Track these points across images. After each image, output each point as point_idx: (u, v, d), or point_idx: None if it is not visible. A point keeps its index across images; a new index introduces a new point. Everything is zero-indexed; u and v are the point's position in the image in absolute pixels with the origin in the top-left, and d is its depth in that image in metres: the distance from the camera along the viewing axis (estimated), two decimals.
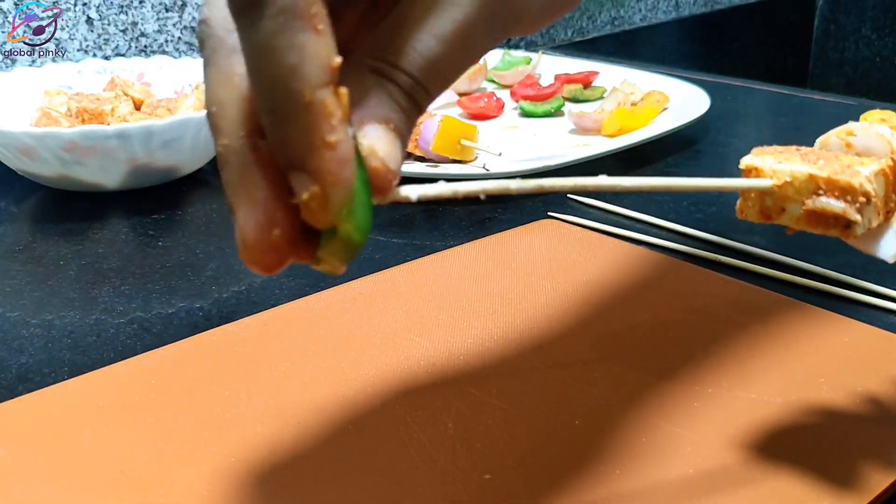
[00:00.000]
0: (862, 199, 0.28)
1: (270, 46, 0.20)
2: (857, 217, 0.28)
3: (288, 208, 0.22)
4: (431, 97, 0.24)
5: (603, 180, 0.25)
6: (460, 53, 0.24)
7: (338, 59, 0.21)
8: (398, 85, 0.23)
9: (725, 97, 0.89)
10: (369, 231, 0.23)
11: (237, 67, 0.22)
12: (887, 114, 0.32)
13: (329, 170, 0.21)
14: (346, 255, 0.23)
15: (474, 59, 0.25)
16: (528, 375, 0.38)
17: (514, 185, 0.24)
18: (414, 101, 0.24)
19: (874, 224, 0.29)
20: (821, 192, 0.28)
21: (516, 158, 0.65)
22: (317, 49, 0.20)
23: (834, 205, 0.28)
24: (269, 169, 0.22)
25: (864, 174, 0.28)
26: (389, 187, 0.23)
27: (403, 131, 0.24)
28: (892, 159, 0.30)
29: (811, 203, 0.28)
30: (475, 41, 0.24)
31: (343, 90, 0.21)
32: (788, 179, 0.28)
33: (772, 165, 0.29)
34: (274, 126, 0.21)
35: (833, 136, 0.32)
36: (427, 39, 0.23)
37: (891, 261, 0.30)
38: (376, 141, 0.23)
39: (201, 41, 0.23)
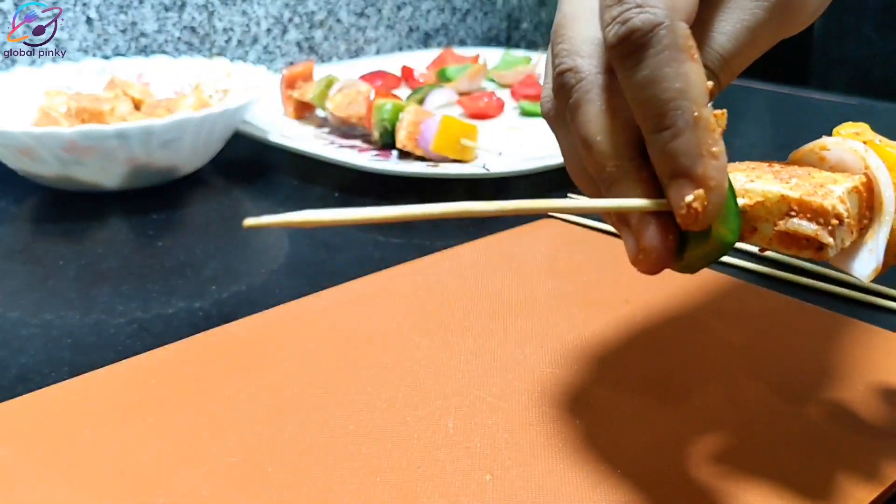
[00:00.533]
0: (834, 221, 0.28)
1: (660, 77, 0.25)
2: (830, 240, 0.28)
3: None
4: (721, 89, 0.28)
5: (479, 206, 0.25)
6: (749, 49, 0.28)
7: (710, 83, 0.25)
8: None
9: (725, 96, 0.88)
10: (738, 234, 0.27)
11: (614, 102, 0.26)
12: (860, 126, 0.32)
13: (713, 176, 0.25)
14: (714, 256, 0.27)
15: (760, 53, 0.29)
16: (529, 375, 0.38)
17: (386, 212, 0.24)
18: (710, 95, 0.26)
19: (847, 243, 0.29)
20: (793, 213, 0.28)
21: (516, 158, 0.64)
22: (697, 75, 0.25)
23: (806, 227, 0.28)
24: (649, 185, 0.26)
25: (836, 194, 0.28)
26: None
27: None
28: (866, 175, 0.30)
29: (783, 224, 0.28)
30: (762, 38, 0.28)
31: (722, 111, 0.27)
32: (760, 199, 0.28)
33: (743, 184, 0.29)
34: (664, 142, 0.25)
35: (807, 151, 0.31)
36: (720, 38, 0.27)
37: (866, 281, 0.30)
38: None
39: (571, 86, 0.27)
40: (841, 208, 0.28)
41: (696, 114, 0.25)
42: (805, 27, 0.31)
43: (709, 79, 0.26)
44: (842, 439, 0.33)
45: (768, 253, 0.50)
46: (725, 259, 0.50)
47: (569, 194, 0.61)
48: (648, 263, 0.27)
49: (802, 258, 0.29)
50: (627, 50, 0.25)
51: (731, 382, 0.37)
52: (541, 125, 0.77)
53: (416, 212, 0.24)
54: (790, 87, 0.95)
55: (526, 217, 0.56)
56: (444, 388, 0.37)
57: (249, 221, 0.22)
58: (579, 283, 0.46)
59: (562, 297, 0.45)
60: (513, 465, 0.32)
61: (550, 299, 0.45)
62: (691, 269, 0.28)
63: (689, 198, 0.25)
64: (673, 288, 0.46)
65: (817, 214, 0.28)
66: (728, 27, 0.27)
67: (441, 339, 0.41)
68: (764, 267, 0.48)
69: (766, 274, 0.48)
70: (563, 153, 0.31)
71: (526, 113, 0.80)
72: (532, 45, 1.16)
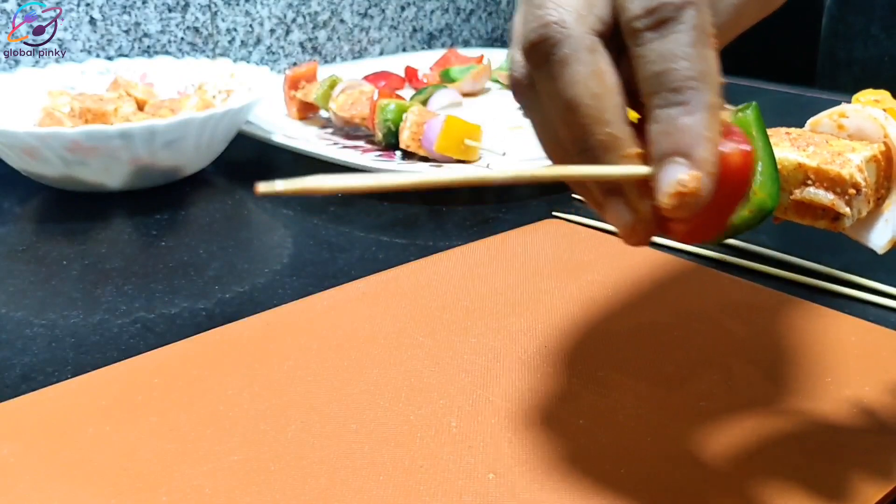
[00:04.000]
0: (852, 190, 0.27)
1: (685, 54, 0.24)
2: (847, 210, 0.27)
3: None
4: None
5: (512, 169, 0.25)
6: (733, 27, 0.28)
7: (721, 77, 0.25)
8: None
9: (732, 97, 0.88)
10: (777, 200, 0.26)
11: (604, 66, 0.25)
12: (881, 94, 0.31)
13: (712, 161, 0.24)
14: (753, 223, 0.26)
15: (742, 30, 0.29)
16: (532, 375, 0.38)
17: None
18: None
19: (863, 213, 0.28)
20: (809, 182, 0.27)
21: (520, 158, 0.64)
22: (716, 62, 0.25)
23: (822, 196, 0.27)
24: (641, 158, 0.25)
25: (854, 163, 0.27)
26: None
27: None
28: (885, 144, 0.29)
29: (799, 193, 0.28)
30: (746, 16, 0.29)
31: (730, 108, 0.27)
32: (778, 168, 0.28)
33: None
34: (673, 118, 0.24)
35: (825, 118, 0.31)
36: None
37: (881, 251, 0.29)
38: None
39: (555, 41, 0.25)
40: (859, 177, 0.27)
41: (712, 100, 0.24)
42: (783, 3, 0.31)
43: None
44: (848, 436, 0.33)
45: (774, 252, 0.50)
46: (727, 258, 0.49)
47: (572, 195, 0.60)
48: (645, 234, 0.26)
49: (818, 227, 0.28)
50: (653, 21, 0.24)
51: (738, 382, 0.37)
52: None
53: (426, 179, 0.23)
54: (798, 87, 0.95)
55: (530, 216, 0.56)
56: (447, 388, 0.37)
57: (262, 188, 0.21)
58: (583, 282, 0.46)
59: (565, 296, 0.45)
60: (515, 463, 0.32)
61: (553, 299, 0.44)
62: (728, 235, 0.27)
63: (683, 176, 0.24)
64: (677, 287, 0.46)
65: (834, 183, 0.27)
66: (716, 5, 0.27)
67: (444, 339, 0.41)
68: (768, 267, 0.48)
69: (770, 274, 0.48)
70: (536, 126, 0.29)
71: None
72: None
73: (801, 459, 0.32)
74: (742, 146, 0.25)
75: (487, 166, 0.62)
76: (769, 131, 0.30)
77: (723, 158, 0.25)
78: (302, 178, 0.21)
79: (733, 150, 0.25)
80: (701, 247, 0.51)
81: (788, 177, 0.28)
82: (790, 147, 0.28)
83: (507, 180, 0.24)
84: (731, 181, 0.25)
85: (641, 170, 0.25)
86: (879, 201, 0.29)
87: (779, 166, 0.27)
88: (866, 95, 0.31)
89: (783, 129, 0.30)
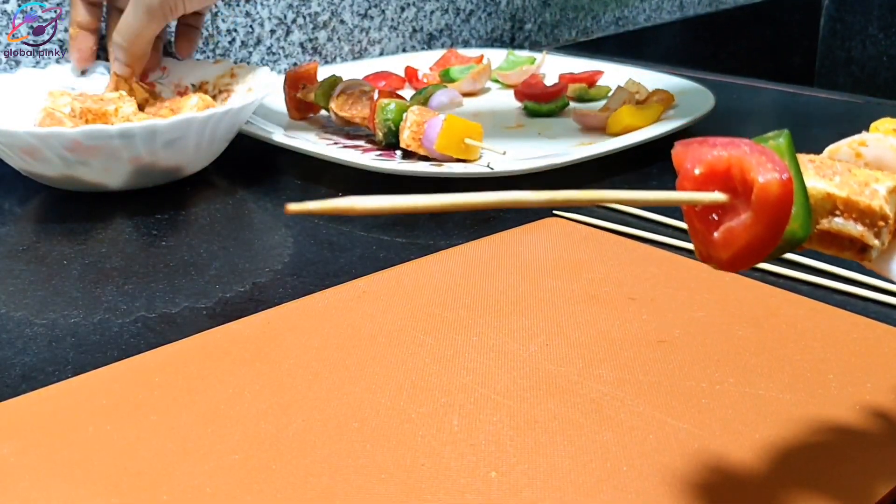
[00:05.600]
0: (881, 223, 0.26)
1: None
2: (875, 242, 0.26)
3: None
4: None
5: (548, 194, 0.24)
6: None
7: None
8: None
9: (731, 97, 0.88)
10: (809, 230, 0.26)
11: None
12: None
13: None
14: (780, 253, 0.26)
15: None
16: (534, 373, 0.38)
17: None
18: None
19: (885, 244, 0.27)
20: (838, 212, 0.27)
21: (520, 157, 0.64)
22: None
23: (852, 228, 0.26)
24: None
25: (881, 193, 0.26)
26: None
27: None
28: None
29: (827, 224, 0.27)
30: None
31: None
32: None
33: None
34: None
35: (844, 146, 0.30)
36: None
37: None
38: None
39: None
40: (887, 209, 0.26)
41: None
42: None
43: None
44: (851, 434, 0.33)
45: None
46: None
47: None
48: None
49: (842, 258, 0.27)
50: None
51: (740, 380, 0.37)
52: (545, 124, 0.77)
53: (462, 201, 0.23)
54: (796, 86, 0.95)
55: (531, 215, 0.56)
56: (448, 386, 0.37)
57: (293, 207, 0.21)
58: (584, 280, 0.46)
59: (566, 294, 0.45)
60: (518, 462, 0.32)
61: (555, 297, 0.44)
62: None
63: None
64: (679, 285, 0.45)
65: (864, 215, 0.26)
66: None
67: (445, 337, 0.40)
68: (768, 265, 0.48)
69: (771, 272, 0.48)
70: None
71: (530, 112, 0.80)
72: (536, 46, 1.16)
73: (803, 457, 0.32)
74: (783, 175, 0.24)
75: (488, 165, 0.62)
76: None
77: (761, 187, 0.24)
78: (334, 199, 0.21)
79: (772, 178, 0.24)
80: None
81: (816, 206, 0.27)
82: (816, 176, 0.27)
83: (544, 203, 0.23)
84: (770, 209, 0.24)
85: (710, 196, 0.25)
86: None
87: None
88: (885, 124, 0.31)
89: (807, 157, 0.29)
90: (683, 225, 0.54)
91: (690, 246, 0.51)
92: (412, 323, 0.42)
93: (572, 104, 0.80)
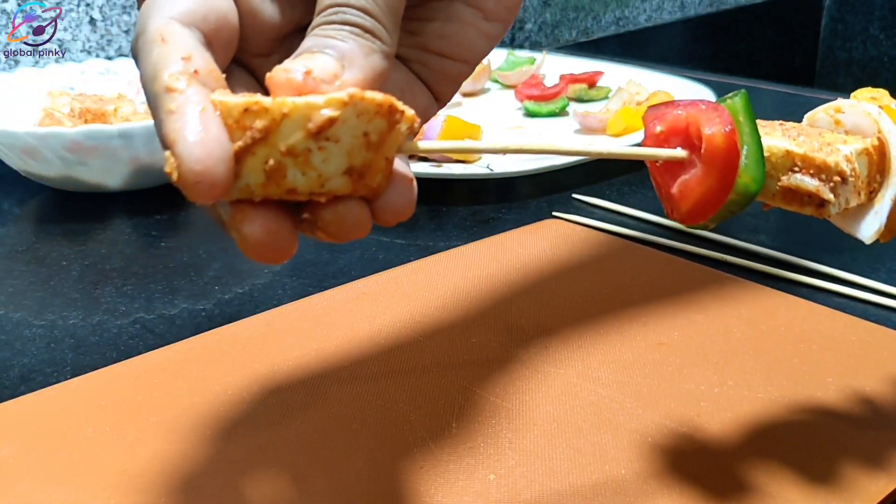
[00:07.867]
0: (836, 178, 0.28)
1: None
2: (830, 196, 0.28)
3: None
4: None
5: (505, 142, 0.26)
6: None
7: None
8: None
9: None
10: (762, 184, 0.27)
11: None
12: (878, 92, 0.32)
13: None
14: (737, 207, 0.27)
15: None
16: (532, 375, 0.37)
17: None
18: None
19: (852, 203, 0.29)
20: (796, 168, 0.28)
21: (520, 158, 0.64)
22: None
23: (808, 182, 0.28)
24: None
25: (843, 153, 0.28)
26: None
27: None
28: (878, 139, 0.29)
29: (786, 180, 0.28)
30: None
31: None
32: (766, 154, 0.28)
33: None
34: None
35: (821, 112, 0.31)
36: None
37: (868, 241, 0.30)
38: None
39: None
40: (845, 166, 0.28)
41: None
42: None
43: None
44: (850, 437, 0.33)
45: (774, 252, 0.50)
46: (728, 258, 0.49)
47: (573, 195, 0.60)
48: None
49: (804, 214, 0.29)
50: None
51: (738, 382, 0.37)
52: (545, 125, 0.77)
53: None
54: (797, 87, 0.95)
55: (530, 217, 0.56)
56: (447, 388, 0.37)
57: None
58: (582, 282, 0.46)
59: (565, 296, 0.45)
60: (516, 464, 0.32)
61: (554, 299, 0.44)
62: (719, 218, 0.28)
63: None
64: (677, 287, 0.45)
65: (820, 170, 0.28)
66: None
67: (444, 339, 0.40)
68: (768, 267, 0.48)
69: (770, 274, 0.48)
70: None
71: (530, 113, 0.80)
72: (536, 46, 1.16)
73: (802, 459, 0.32)
74: (726, 127, 0.26)
75: (488, 166, 0.62)
76: (764, 123, 0.30)
77: (707, 139, 0.26)
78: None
79: (716, 130, 0.26)
80: (701, 246, 0.51)
81: (777, 163, 0.28)
82: (781, 136, 0.29)
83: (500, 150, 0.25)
84: (716, 160, 0.26)
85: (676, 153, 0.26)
86: (871, 195, 0.29)
87: (767, 153, 0.28)
88: (863, 93, 0.31)
89: (778, 122, 0.30)
90: (684, 227, 0.54)
91: (690, 248, 0.51)
92: (411, 325, 0.42)
93: (572, 105, 0.80)
